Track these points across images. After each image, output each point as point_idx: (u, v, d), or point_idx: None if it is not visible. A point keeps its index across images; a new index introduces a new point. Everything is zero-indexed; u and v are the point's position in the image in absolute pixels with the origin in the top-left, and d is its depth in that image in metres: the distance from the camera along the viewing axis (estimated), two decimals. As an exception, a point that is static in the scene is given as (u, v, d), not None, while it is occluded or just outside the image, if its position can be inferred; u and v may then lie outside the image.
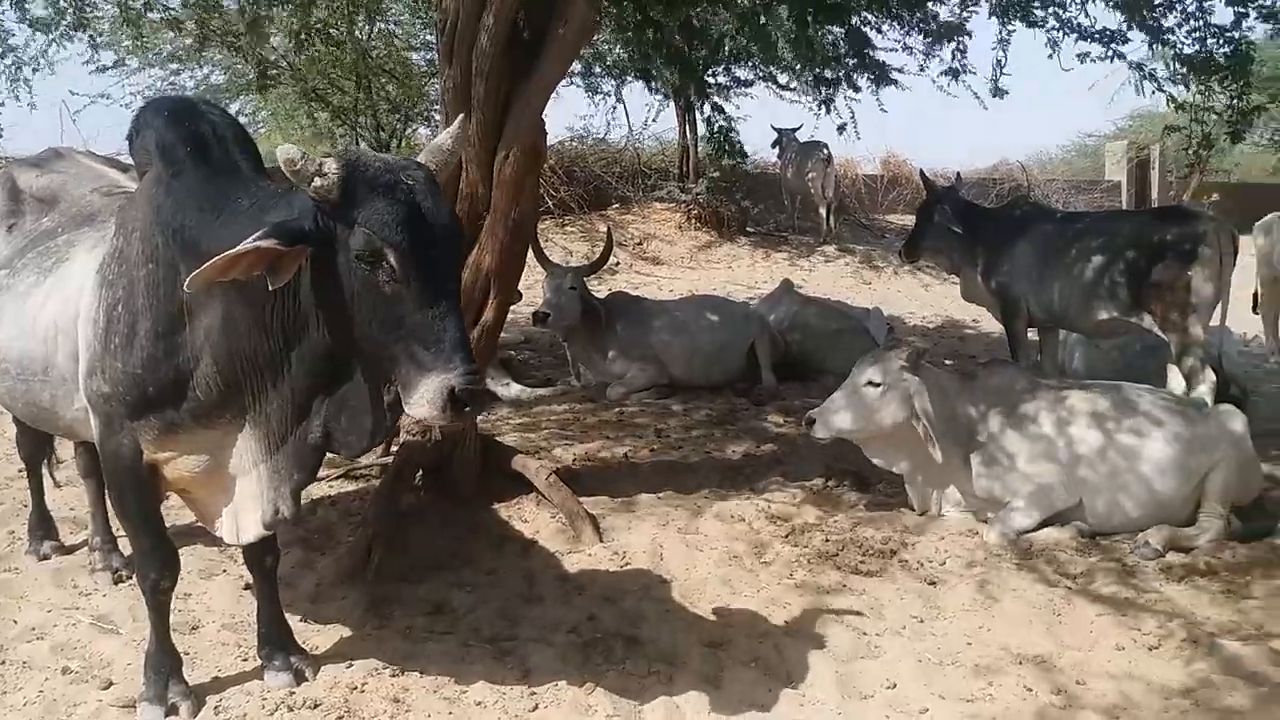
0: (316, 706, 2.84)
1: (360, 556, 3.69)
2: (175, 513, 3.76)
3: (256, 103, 11.87)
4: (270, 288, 2.27)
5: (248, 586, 3.55)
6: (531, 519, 4.24)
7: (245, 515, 2.68)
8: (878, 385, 4.09)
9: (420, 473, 4.34)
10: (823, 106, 7.63)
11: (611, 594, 3.60)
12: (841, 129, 8.57)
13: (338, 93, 11.40)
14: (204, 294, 2.44)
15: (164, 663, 2.85)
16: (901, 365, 4.12)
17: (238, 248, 2.20)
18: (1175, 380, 5.22)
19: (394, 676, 2.97)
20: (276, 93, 10.85)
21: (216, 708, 2.84)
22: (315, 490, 4.41)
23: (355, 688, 2.92)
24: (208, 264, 2.21)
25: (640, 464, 5.05)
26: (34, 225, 3.20)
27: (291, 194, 2.41)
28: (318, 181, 2.24)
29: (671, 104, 13.09)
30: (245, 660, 3.10)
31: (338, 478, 4.68)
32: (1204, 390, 4.97)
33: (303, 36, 7.19)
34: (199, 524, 2.99)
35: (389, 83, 11.48)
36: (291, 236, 2.24)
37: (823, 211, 13.46)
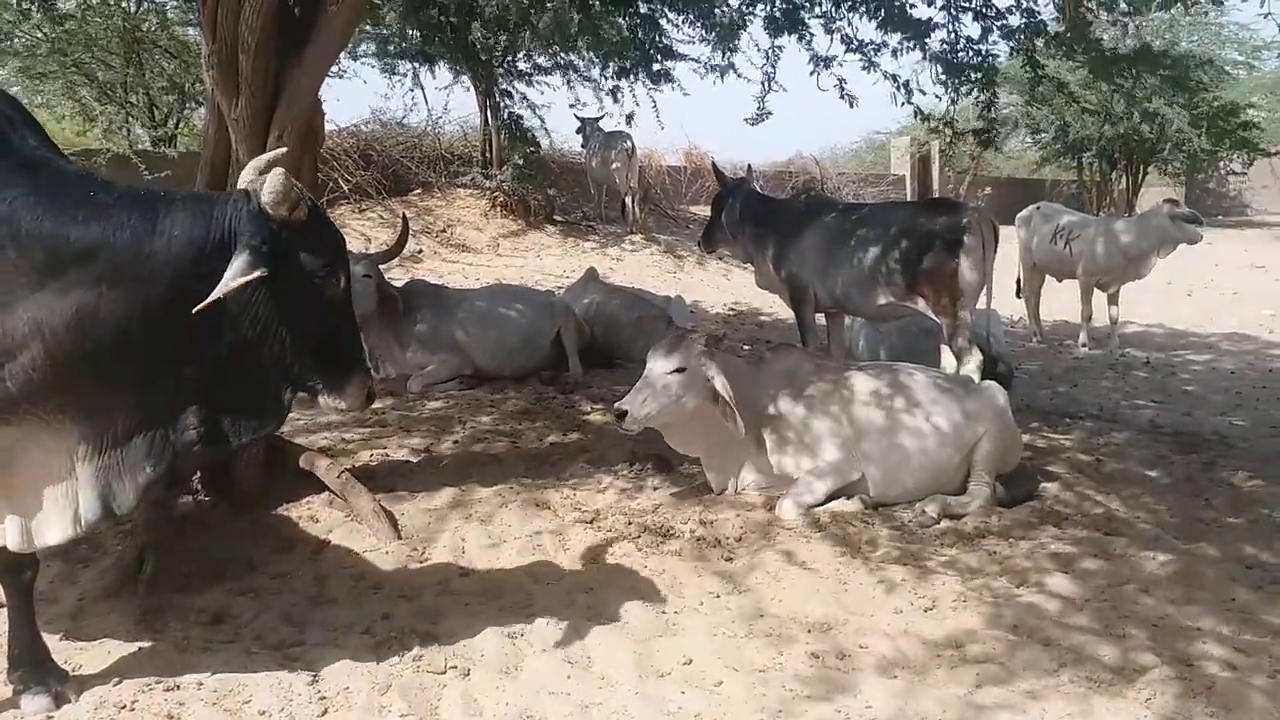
0: (79, 730, 2.61)
1: (130, 567, 3.41)
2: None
3: (4, 77, 10.76)
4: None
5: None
6: (323, 519, 4.06)
7: (49, 516, 2.49)
8: (681, 371, 4.16)
9: (198, 475, 4.07)
10: (611, 95, 7.71)
11: (409, 591, 3.50)
12: (629, 119, 8.68)
13: (103, 68, 10.52)
14: (32, 288, 2.31)
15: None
16: (700, 351, 4.21)
17: (240, 278, 2.35)
18: (947, 360, 5.61)
19: (168, 691, 2.77)
20: (30, 67, 9.89)
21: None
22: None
23: (124, 706, 2.70)
24: (220, 290, 2.34)
25: (443, 458, 4.93)
26: None
27: (194, 201, 2.52)
28: (300, 209, 2.47)
29: (471, 88, 12.88)
30: (-6, 687, 2.80)
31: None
32: (972, 368, 5.35)
33: (57, 6, 6.55)
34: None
35: (163, 59, 10.69)
36: (268, 261, 2.40)
37: (628, 201, 13.63)
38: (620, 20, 6.20)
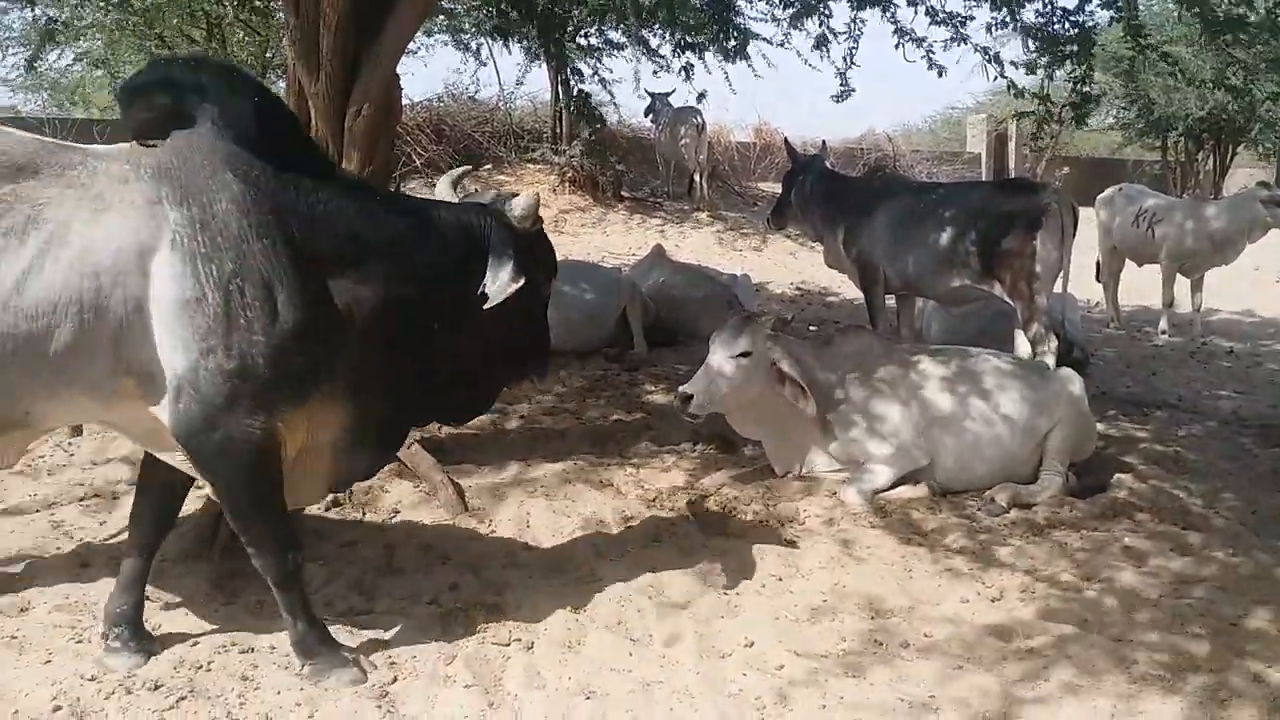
0: (158, 688, 2.69)
1: (205, 531, 3.51)
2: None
3: (92, 51, 11.05)
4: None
5: (83, 565, 3.36)
6: (393, 489, 4.12)
7: (308, 488, 2.86)
8: (747, 355, 4.13)
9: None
10: (683, 73, 7.58)
11: (475, 563, 3.55)
12: (701, 97, 8.52)
13: (186, 41, 10.76)
14: (335, 280, 2.60)
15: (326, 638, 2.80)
16: (766, 334, 4.18)
17: (511, 285, 2.74)
18: (1022, 345, 5.48)
19: (242, 654, 2.85)
20: (117, 40, 10.15)
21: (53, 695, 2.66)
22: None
23: (201, 666, 2.78)
24: (499, 296, 2.74)
25: (509, 431, 4.99)
26: None
27: (454, 209, 2.90)
28: (539, 223, 2.92)
29: (543, 64, 12.88)
30: (80, 642, 2.91)
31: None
32: (1047, 354, 5.23)
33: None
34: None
35: (245, 34, 10.89)
36: (526, 271, 2.78)
37: (696, 178, 13.54)
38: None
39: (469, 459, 4.54)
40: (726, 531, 3.90)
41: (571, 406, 5.50)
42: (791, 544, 3.80)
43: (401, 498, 4.08)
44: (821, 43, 6.26)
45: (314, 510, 3.93)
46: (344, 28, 3.66)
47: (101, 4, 9.03)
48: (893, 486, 4.24)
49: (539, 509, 4.03)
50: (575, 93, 8.16)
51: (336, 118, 3.84)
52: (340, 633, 2.98)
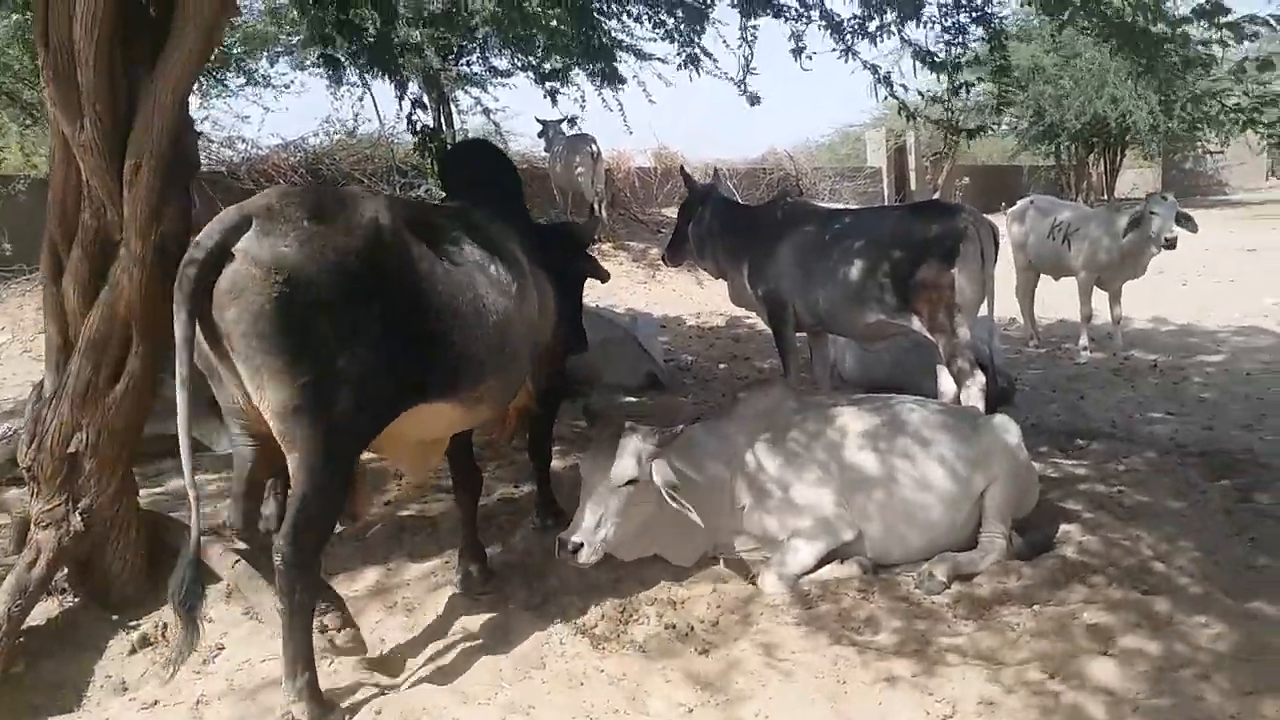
0: None
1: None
2: None
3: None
4: None
5: None
6: (218, 618, 3.38)
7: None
8: (634, 482, 3.45)
9: (64, 570, 3.37)
10: (549, 98, 6.89)
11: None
12: (571, 121, 7.99)
13: (27, 88, 9.76)
14: (553, 273, 3.86)
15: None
16: (650, 452, 3.48)
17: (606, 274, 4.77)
18: (945, 382, 4.99)
19: None
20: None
21: None
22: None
23: None
24: (604, 276, 4.68)
25: (369, 525, 4.25)
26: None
27: (559, 226, 4.89)
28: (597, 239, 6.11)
29: (424, 95, 12.12)
30: None
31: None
32: (975, 393, 4.73)
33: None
34: None
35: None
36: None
37: (596, 208, 12.91)
38: (554, 12, 5.43)
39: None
40: (625, 642, 3.25)
41: (445, 483, 4.78)
42: (703, 653, 3.18)
43: (228, 629, 3.35)
44: (692, 61, 5.68)
45: (118, 653, 3.17)
46: (107, 59, 2.92)
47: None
48: (817, 567, 3.65)
49: (396, 629, 3.34)
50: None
51: (111, 173, 3.09)
52: None
